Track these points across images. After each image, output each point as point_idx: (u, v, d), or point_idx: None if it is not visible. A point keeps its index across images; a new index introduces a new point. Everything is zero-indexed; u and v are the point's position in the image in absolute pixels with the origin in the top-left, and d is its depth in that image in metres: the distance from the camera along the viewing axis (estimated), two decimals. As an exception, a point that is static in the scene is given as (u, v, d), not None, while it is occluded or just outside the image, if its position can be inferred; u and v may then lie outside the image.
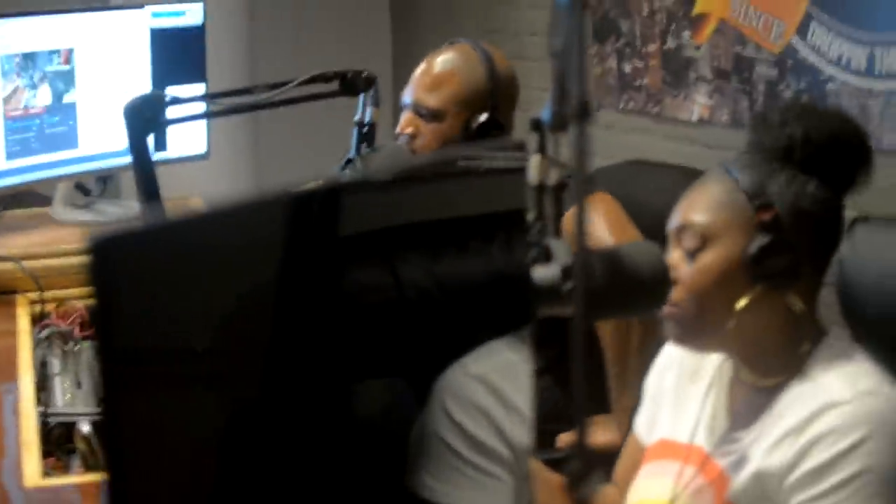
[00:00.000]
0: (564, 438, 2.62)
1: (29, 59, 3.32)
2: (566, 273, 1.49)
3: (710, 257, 1.85)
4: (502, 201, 1.60)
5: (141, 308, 1.11)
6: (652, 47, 4.28)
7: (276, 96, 2.72)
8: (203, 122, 3.68)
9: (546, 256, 1.51)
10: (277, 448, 1.36)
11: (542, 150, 1.47)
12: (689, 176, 2.99)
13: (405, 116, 2.84)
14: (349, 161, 2.77)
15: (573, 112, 1.15)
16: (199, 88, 3.66)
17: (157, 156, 3.52)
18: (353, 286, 1.52)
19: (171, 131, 3.50)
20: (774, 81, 3.70)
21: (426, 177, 1.73)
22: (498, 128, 2.79)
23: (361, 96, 2.82)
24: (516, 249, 1.53)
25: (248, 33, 5.67)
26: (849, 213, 1.93)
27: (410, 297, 1.60)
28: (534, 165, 1.47)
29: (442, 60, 2.84)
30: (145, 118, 2.47)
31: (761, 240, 1.81)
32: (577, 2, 1.15)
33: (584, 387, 1.17)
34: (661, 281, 1.61)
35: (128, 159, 2.65)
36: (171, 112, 2.70)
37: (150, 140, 2.65)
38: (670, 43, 4.17)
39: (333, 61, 3.19)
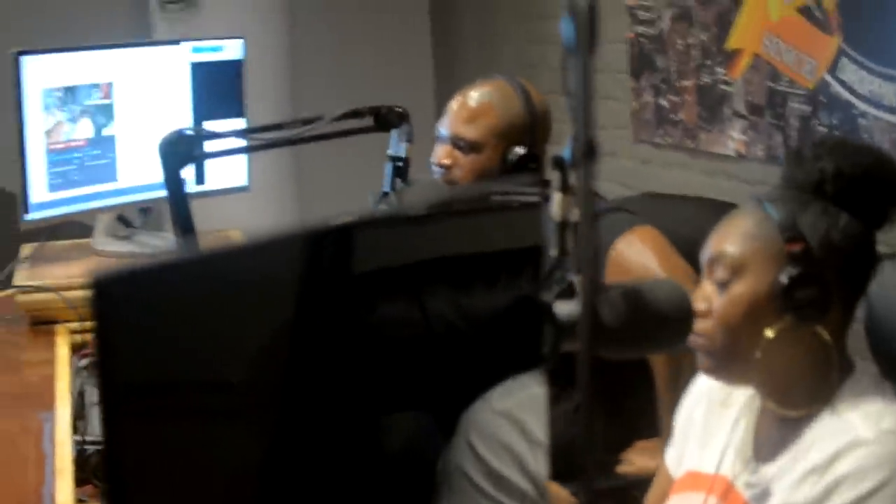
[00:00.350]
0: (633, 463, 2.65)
1: (70, 92, 3.37)
2: (588, 309, 1.50)
3: (740, 289, 1.85)
4: (530, 236, 1.62)
5: (144, 345, 1.12)
6: (687, 82, 4.29)
7: (310, 131, 2.76)
8: (244, 156, 3.73)
9: (569, 292, 1.52)
10: (301, 481, 1.38)
11: (564, 187, 1.49)
12: (704, 208, 3.02)
13: (442, 148, 2.87)
14: (384, 195, 2.81)
15: (579, 152, 1.17)
16: (238, 123, 3.70)
17: (197, 188, 3.57)
18: (381, 319, 1.54)
19: (213, 165, 3.55)
20: (808, 117, 3.70)
21: (456, 212, 1.75)
22: (535, 161, 2.82)
23: (394, 131, 2.86)
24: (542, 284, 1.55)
25: (289, 68, 5.72)
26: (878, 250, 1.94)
27: (438, 331, 1.62)
28: (557, 203, 1.49)
29: (479, 93, 2.88)
30: (180, 154, 2.50)
31: (791, 271, 1.82)
32: (584, 45, 1.17)
33: (595, 418, 1.19)
34: (682, 318, 1.62)
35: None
36: (210, 146, 2.74)
37: (187, 174, 2.69)
38: (705, 78, 4.18)
39: (375, 95, 3.23)
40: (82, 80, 3.41)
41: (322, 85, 5.95)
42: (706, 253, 1.92)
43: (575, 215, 1.48)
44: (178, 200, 2.48)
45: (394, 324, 1.58)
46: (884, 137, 3.41)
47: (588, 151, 1.18)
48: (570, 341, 1.51)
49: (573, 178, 1.45)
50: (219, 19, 5.37)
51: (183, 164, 2.51)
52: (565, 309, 1.50)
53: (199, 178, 3.62)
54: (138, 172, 3.55)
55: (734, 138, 4.04)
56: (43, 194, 3.33)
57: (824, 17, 3.60)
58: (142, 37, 5.60)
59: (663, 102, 4.45)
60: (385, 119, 2.85)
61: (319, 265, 1.38)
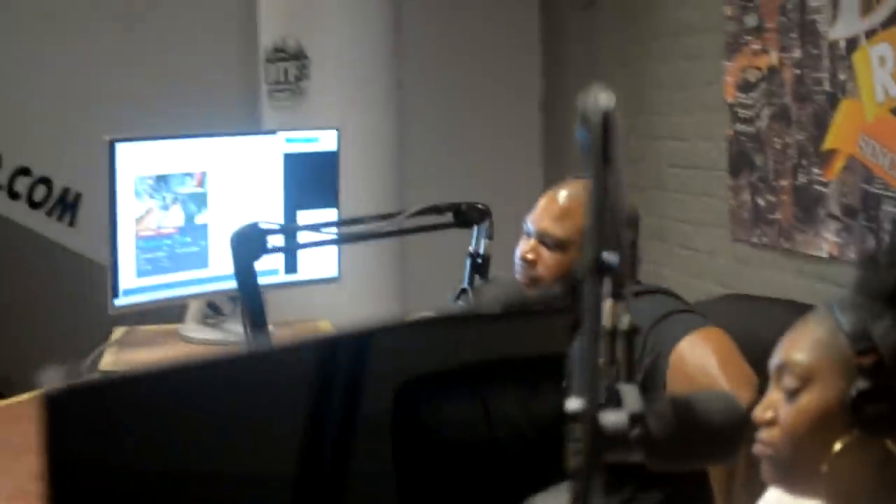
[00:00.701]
0: None
1: (162, 180, 3.42)
2: (634, 419, 1.49)
3: (808, 399, 1.81)
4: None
5: (96, 462, 1.11)
6: (784, 182, 4.25)
7: (389, 227, 2.78)
8: (334, 247, 3.75)
9: (616, 401, 1.50)
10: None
11: (615, 294, 1.47)
12: (790, 311, 2.96)
13: (527, 243, 2.87)
14: (462, 292, 2.81)
15: (586, 267, 1.16)
16: (331, 213, 3.73)
17: (288, 278, 3.60)
18: (440, 420, 1.53)
19: (304, 255, 3.58)
20: (901, 221, 3.65)
21: (526, 313, 1.75)
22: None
23: (476, 227, 2.87)
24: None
25: (396, 157, 5.73)
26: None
27: (500, 433, 1.61)
28: (606, 311, 1.48)
29: (571, 192, 2.88)
30: (252, 246, 2.52)
31: (861, 384, 1.78)
32: (597, 157, 1.17)
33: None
34: (732, 433, 1.59)
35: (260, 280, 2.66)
36: (301, 237, 2.76)
37: (270, 264, 2.71)
38: (802, 178, 4.14)
39: (482, 187, 3.22)
40: (176, 169, 3.46)
41: (429, 176, 5.95)
42: (775, 360, 1.88)
43: (624, 324, 1.47)
44: (250, 293, 2.49)
45: (454, 425, 1.57)
46: (978, 244, 3.35)
47: (595, 268, 1.17)
48: (613, 452, 1.49)
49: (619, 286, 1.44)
50: (326, 108, 5.42)
51: (255, 257, 2.52)
52: (609, 419, 1.48)
53: (290, 268, 3.65)
54: (230, 261, 3.58)
55: (828, 240, 3.99)
56: (132, 280, 3.38)
57: (917, 120, 3.57)
58: (252, 125, 5.68)
59: (760, 201, 4.41)
60: (465, 215, 2.86)
61: (355, 367, 1.38)
